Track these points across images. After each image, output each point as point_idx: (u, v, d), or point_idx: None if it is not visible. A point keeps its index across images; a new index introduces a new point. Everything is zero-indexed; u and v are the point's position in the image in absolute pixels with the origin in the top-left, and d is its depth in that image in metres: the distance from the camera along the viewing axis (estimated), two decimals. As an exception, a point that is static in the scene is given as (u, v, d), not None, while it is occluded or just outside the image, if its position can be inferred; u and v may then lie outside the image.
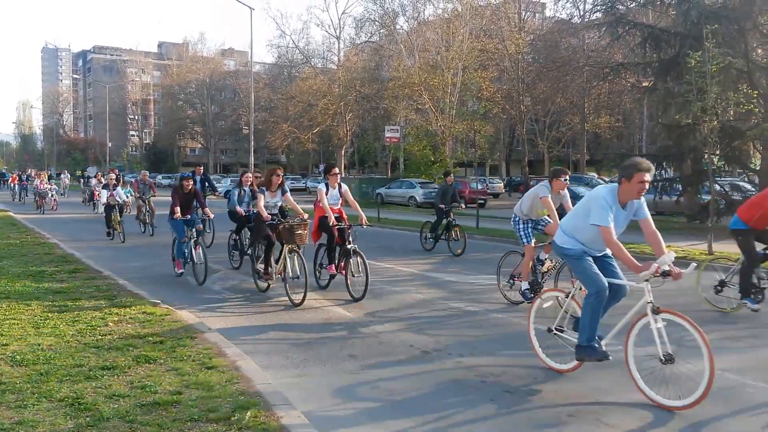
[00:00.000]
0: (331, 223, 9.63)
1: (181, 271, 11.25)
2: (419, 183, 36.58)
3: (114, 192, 17.93)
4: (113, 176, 19.12)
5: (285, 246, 9.34)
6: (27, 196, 36.41)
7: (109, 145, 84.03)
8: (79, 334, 6.87)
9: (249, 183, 13.09)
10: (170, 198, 11.53)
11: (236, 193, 12.92)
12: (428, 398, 5.35)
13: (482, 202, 31.96)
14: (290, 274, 9.14)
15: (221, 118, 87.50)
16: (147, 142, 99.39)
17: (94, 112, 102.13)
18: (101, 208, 20.00)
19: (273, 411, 4.70)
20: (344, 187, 10.32)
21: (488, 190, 41.40)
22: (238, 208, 12.59)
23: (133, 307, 8.18)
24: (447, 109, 40.90)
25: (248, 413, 4.60)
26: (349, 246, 9.45)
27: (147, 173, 22.69)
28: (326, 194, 10.01)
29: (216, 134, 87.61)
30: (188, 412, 4.64)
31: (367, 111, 53.92)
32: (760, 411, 5.10)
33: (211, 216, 12.60)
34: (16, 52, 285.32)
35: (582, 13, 44.80)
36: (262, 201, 9.91)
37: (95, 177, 31.48)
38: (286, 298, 9.24)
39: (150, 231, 18.91)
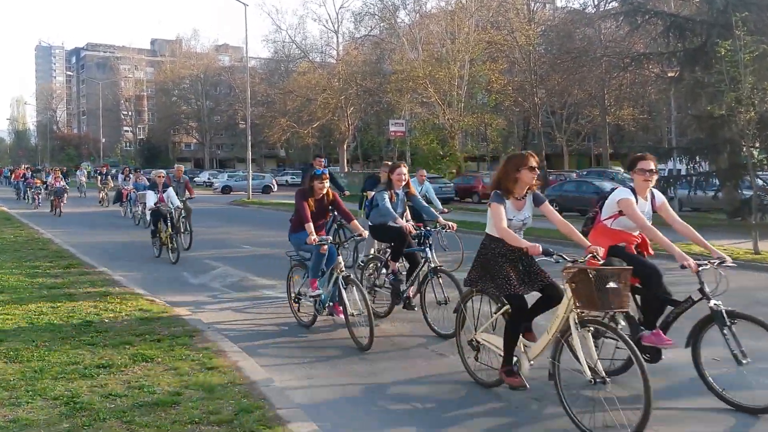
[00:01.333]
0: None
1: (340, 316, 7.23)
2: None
3: (164, 194, 13.65)
4: (162, 173, 14.53)
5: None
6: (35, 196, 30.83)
7: (103, 140, 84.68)
8: (75, 330, 6.78)
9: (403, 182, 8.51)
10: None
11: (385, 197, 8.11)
12: (444, 404, 5.18)
13: (496, 197, 31.63)
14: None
15: (216, 113, 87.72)
16: (141, 137, 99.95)
17: (88, 109, 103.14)
18: (146, 215, 16.23)
19: (279, 415, 4.54)
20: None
21: (501, 186, 41.11)
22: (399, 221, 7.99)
23: (130, 304, 8.07)
24: (455, 102, 40.76)
25: (252, 416, 4.47)
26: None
27: (182, 168, 18.44)
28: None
29: (211, 129, 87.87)
30: (189, 414, 4.51)
31: (369, 105, 54.00)
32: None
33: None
34: (10, 50, 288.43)
35: (597, 2, 44.47)
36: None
37: (122, 173, 26.79)
38: (285, 295, 9.11)
39: (185, 243, 14.42)
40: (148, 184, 16.20)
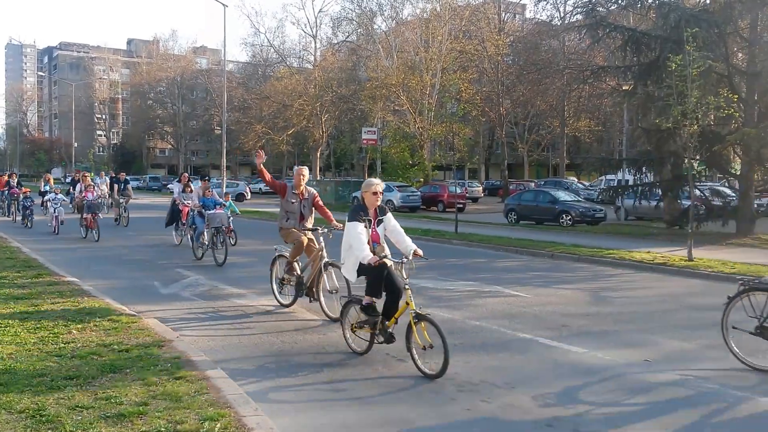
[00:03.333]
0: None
1: None
2: (397, 186, 36.64)
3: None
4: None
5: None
6: (27, 213, 22.59)
7: (75, 145, 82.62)
8: (41, 341, 6.75)
9: None
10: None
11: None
12: (404, 408, 5.35)
13: (461, 206, 32.07)
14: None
15: (192, 118, 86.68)
16: (114, 142, 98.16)
17: (60, 111, 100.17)
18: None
19: (244, 423, 4.65)
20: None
21: (467, 194, 41.59)
22: None
23: (98, 314, 8.06)
24: (425, 110, 41.06)
25: (218, 425, 4.55)
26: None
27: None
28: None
29: (187, 134, 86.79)
30: (155, 424, 4.57)
31: (343, 112, 53.90)
32: (739, 420, 5.16)
33: None
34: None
35: (562, 15, 45.37)
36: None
37: (179, 180, 18.32)
38: (256, 305, 9.24)
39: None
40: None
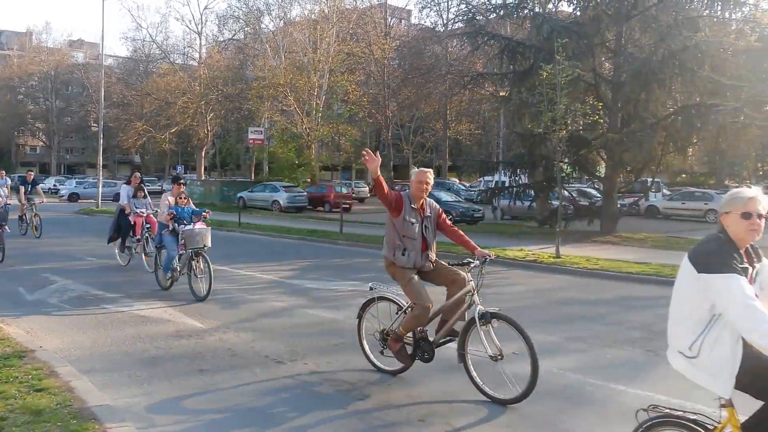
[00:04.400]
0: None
1: None
2: (283, 187, 36.29)
3: None
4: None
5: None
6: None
7: (-65, 142, 75.83)
8: None
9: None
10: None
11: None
12: (281, 411, 5.30)
13: (347, 206, 32.23)
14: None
15: (67, 114, 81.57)
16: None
17: None
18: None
19: (108, 434, 4.44)
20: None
21: (353, 195, 41.83)
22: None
23: (-49, 325, 7.43)
24: (313, 111, 40.97)
25: (80, 438, 4.32)
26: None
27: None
28: None
29: (61, 131, 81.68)
30: (11, 440, 4.28)
31: (229, 111, 52.77)
32: (597, 407, 5.50)
33: None
34: None
35: (445, 22, 46.62)
36: None
37: (129, 182, 13.54)
38: (130, 311, 8.87)
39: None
40: None
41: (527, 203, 23.56)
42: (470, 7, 24.63)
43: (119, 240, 13.22)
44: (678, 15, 20.31)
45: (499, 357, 5.43)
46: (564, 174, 19.16)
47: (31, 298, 9.81)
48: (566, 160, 20.74)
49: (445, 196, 28.09)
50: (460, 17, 25.59)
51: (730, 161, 48.27)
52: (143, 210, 12.77)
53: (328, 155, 46.07)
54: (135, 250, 13.01)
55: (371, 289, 6.41)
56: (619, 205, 23.12)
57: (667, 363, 3.56)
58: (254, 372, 6.28)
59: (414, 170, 6.06)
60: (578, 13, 22.66)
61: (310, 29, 43.06)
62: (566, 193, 21.07)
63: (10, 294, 10.10)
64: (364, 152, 5.46)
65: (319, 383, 5.96)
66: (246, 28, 51.35)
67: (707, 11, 20.88)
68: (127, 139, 54.64)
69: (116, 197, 26.72)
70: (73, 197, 44.96)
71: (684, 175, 54.51)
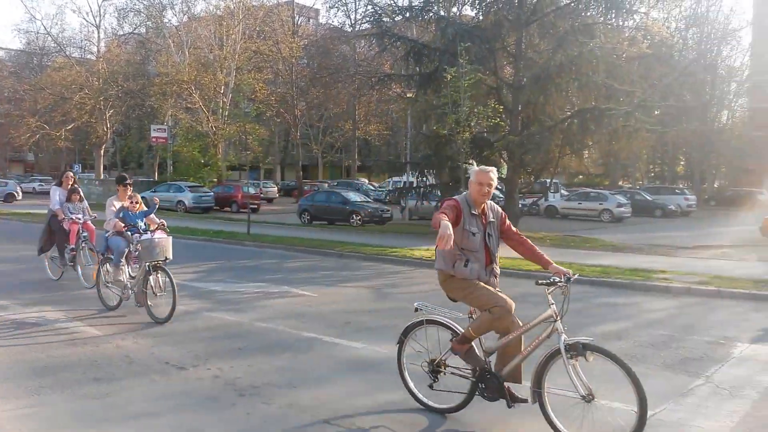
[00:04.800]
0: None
1: None
2: (188, 186, 35.28)
3: None
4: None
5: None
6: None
7: None
8: None
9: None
10: None
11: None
12: (182, 418, 5.13)
13: (255, 207, 31.73)
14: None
15: (-49, 110, 76.08)
16: None
17: None
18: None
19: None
20: None
21: (262, 195, 41.25)
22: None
23: None
24: (219, 109, 40.10)
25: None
26: None
27: None
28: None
29: (-57, 128, 75.96)
30: None
31: (131, 108, 50.72)
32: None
33: None
34: None
35: (353, 22, 46.75)
36: None
37: (61, 183, 11.59)
38: (21, 318, 8.35)
39: None
40: None
41: (434, 203, 23.95)
42: (377, 8, 24.76)
43: (52, 249, 11.44)
44: (575, 22, 21.02)
45: (591, 397, 4.55)
46: (468, 175, 19.59)
47: None
48: (470, 161, 21.18)
49: (354, 197, 28.15)
50: (367, 18, 25.69)
51: (623, 163, 51.31)
52: (79, 216, 11.04)
53: (235, 155, 45.15)
54: (69, 262, 11.06)
55: (417, 309, 5.36)
56: (520, 205, 23.76)
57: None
58: (153, 379, 6.05)
59: (473, 168, 5.15)
60: (480, 18, 23.04)
61: (216, 25, 42.15)
62: (471, 193, 21.49)
63: None
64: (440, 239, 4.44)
65: (222, 388, 5.81)
66: (148, 22, 49.59)
67: (602, 18, 21.71)
68: (19, 136, 51.45)
69: (8, 197, 25.05)
70: None
71: (581, 177, 57.17)
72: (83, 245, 10.99)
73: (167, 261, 8.46)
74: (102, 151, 51.61)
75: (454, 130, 15.60)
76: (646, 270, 13.09)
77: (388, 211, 26.67)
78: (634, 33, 23.36)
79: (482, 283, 5.01)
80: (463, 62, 15.53)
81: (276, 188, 50.99)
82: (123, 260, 8.79)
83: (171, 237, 8.72)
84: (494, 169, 5.17)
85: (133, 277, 8.76)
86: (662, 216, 35.34)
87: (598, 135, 21.13)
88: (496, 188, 22.74)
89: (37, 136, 51.63)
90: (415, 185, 23.78)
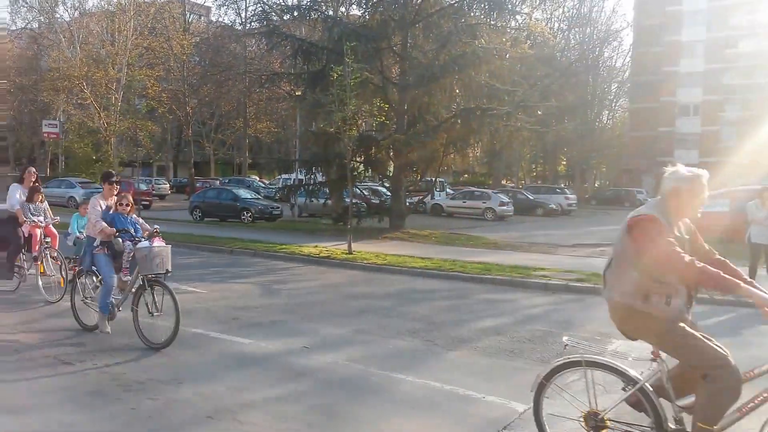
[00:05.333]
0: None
1: None
2: (80, 183, 33.47)
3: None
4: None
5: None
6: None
7: None
8: None
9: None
10: None
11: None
12: (65, 410, 4.90)
13: (146, 204, 30.41)
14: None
15: None
16: None
17: None
18: None
19: None
20: None
21: (154, 192, 39.65)
22: None
23: None
24: (111, 105, 38.51)
25: None
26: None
27: None
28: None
29: None
30: None
31: (23, 103, 48.39)
32: (379, 396, 5.68)
33: None
34: None
35: (243, 20, 45.76)
36: None
37: (21, 181, 10.03)
38: None
39: None
40: None
41: (322, 201, 23.70)
42: (266, 6, 24.24)
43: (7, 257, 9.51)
44: (458, 22, 20.80)
45: None
46: (356, 173, 19.44)
47: None
48: (358, 159, 21.05)
49: (245, 194, 27.54)
50: (257, 16, 25.09)
51: (506, 162, 52.36)
52: (41, 218, 9.48)
53: (126, 151, 43.31)
54: (28, 271, 9.60)
55: (567, 346, 4.04)
56: (407, 203, 23.61)
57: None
58: (39, 372, 5.78)
59: (682, 174, 3.69)
60: (367, 17, 22.76)
61: (108, 21, 40.41)
62: (358, 191, 21.39)
63: None
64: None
65: (108, 383, 5.58)
66: (40, 18, 46.92)
67: (486, 19, 21.52)
68: None
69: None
70: None
71: (466, 175, 58.51)
72: (45, 252, 9.40)
73: (168, 274, 7.05)
74: (-9, 147, 47.96)
75: (341, 128, 15.49)
76: (526, 267, 13.14)
77: (279, 208, 26.29)
78: (517, 33, 23.31)
79: (688, 327, 3.65)
80: (349, 61, 15.44)
81: (168, 185, 49.25)
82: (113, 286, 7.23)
83: (170, 246, 7.20)
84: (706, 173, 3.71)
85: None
86: (543, 215, 35.02)
87: (481, 134, 21.23)
88: (384, 186, 22.85)
89: None
90: (304, 182, 23.45)
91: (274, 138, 53.80)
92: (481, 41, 20.37)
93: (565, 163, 63.25)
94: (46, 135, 39.24)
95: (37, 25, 48.45)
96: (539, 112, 28.84)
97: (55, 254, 9.42)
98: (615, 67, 60.86)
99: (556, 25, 52.95)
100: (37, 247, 9.36)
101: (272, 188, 38.32)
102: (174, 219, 25.31)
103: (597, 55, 55.95)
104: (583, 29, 55.46)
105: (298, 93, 23.70)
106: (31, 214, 9.36)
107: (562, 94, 42.51)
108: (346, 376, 6.05)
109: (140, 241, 7.10)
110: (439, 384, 5.72)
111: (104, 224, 7.17)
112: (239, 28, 45.72)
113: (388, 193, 23.23)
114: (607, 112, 61.82)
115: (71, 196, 32.20)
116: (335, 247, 16.13)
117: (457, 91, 22.29)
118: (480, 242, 19.07)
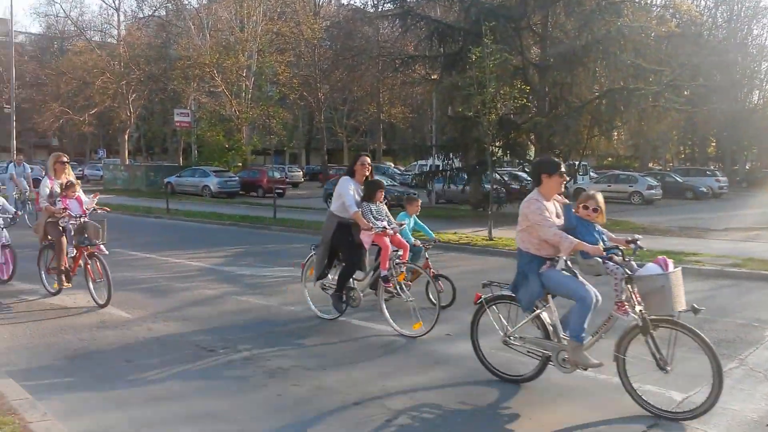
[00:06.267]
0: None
1: None
2: (213, 171, 35.64)
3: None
4: None
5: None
6: None
7: None
8: None
9: None
10: None
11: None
12: (212, 400, 5.26)
13: (281, 191, 31.92)
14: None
15: (-26, 95, 77.17)
16: None
17: None
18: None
19: (30, 429, 4.33)
20: None
21: (287, 179, 41.40)
22: None
23: None
24: (242, 93, 40.22)
25: (0, 433, 4.20)
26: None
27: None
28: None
29: (-32, 114, 77.17)
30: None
31: (153, 92, 51.10)
32: (529, 384, 5.72)
33: None
34: None
35: (375, 2, 46.38)
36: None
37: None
38: (51, 301, 8.60)
39: None
40: None
41: (461, 187, 23.90)
42: (399, -13, 24.58)
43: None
44: (601, 0, 20.67)
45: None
46: (495, 158, 19.46)
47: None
48: (497, 144, 21.08)
49: (379, 179, 28.15)
50: (389, -2, 25.48)
51: (653, 144, 50.55)
52: (384, 223, 8.84)
53: (259, 139, 45.28)
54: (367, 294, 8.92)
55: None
56: (548, 188, 23.56)
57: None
58: (184, 362, 6.21)
59: None
60: None
61: (236, 7, 42.12)
62: (498, 176, 21.45)
63: None
64: None
65: (252, 371, 5.95)
66: (168, 4, 49.85)
67: None
68: (43, 122, 52.19)
69: (34, 183, 25.33)
70: None
71: (610, 159, 56.43)
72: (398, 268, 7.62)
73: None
74: (126, 136, 52.19)
75: (480, 112, 15.49)
76: (678, 252, 12.93)
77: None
78: (662, 11, 22.95)
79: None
80: (488, 42, 15.37)
81: (301, 173, 51.17)
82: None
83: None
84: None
85: None
86: (693, 198, 35.10)
87: (627, 115, 20.91)
88: (524, 171, 22.49)
89: (61, 121, 52.36)
90: (441, 168, 23.73)
91: (409, 123, 54.39)
92: (625, 19, 20.13)
93: (714, 144, 60.56)
94: (177, 124, 41.57)
95: (164, 13, 51.27)
96: (686, 92, 27.58)
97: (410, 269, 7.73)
98: (765, 45, 57.26)
99: (702, 2, 50.90)
100: (386, 264, 7.28)
101: (408, 175, 38.91)
102: (309, 207, 26.41)
103: (745, 33, 53.94)
104: (730, 6, 53.27)
105: (434, 76, 23.94)
106: (374, 217, 7.48)
107: (710, 73, 40.75)
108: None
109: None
110: (592, 373, 5.59)
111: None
112: (371, 10, 46.43)
113: (528, 179, 22.94)
114: (758, 92, 57.96)
115: (205, 185, 34.35)
116: (475, 234, 16.28)
117: (601, 71, 21.73)
118: (627, 227, 18.58)
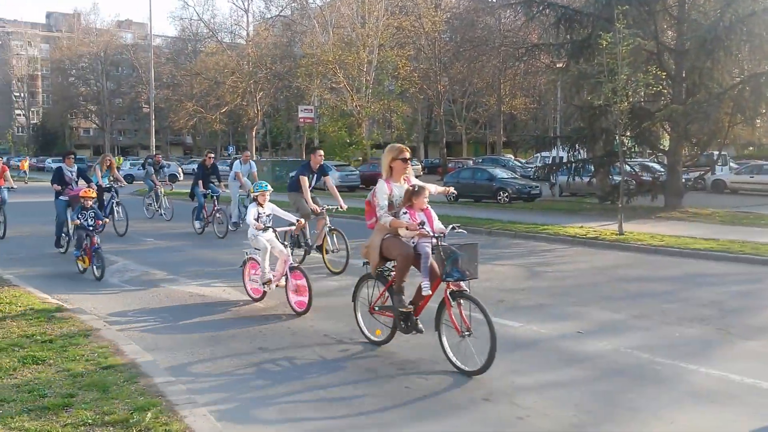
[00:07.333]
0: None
1: None
2: (335, 165, 36.46)
3: None
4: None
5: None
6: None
7: (-7, 125, 78.74)
8: (-43, 335, 6.44)
9: None
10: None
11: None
12: (342, 391, 5.36)
13: (399, 185, 32.02)
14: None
15: (118, 96, 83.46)
16: (34, 122, 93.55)
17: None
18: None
19: (176, 411, 4.57)
20: None
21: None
22: None
23: (20, 303, 7.75)
24: (363, 88, 40.92)
25: (148, 414, 4.46)
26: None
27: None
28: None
29: (113, 113, 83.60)
30: (81, 416, 4.45)
31: (279, 90, 53.17)
32: (666, 387, 5.39)
33: None
34: None
35: (498, -9, 45.66)
36: None
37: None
38: (190, 290, 9.11)
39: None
40: None
41: (586, 179, 23.08)
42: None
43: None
44: None
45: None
46: (625, 148, 18.60)
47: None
48: (628, 134, 20.21)
49: (501, 173, 27.73)
50: (514, -14, 24.88)
51: (802, 133, 46.58)
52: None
53: (379, 133, 45.91)
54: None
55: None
56: (683, 180, 22.46)
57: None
58: (314, 350, 6.39)
59: None
60: None
61: (358, 3, 42.84)
62: (628, 167, 20.55)
63: (72, 275, 10.43)
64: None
65: (380, 363, 6.02)
66: (293, 4, 51.49)
67: None
68: (179, 120, 55.73)
69: (171, 178, 27.31)
70: (128, 178, 45.93)
71: (751, 148, 52.49)
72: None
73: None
74: (254, 133, 54.60)
75: (611, 101, 14.82)
76: None
77: (537, 187, 26.07)
78: None
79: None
80: (620, 27, 14.70)
81: (420, 166, 51.37)
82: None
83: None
84: None
85: None
86: None
87: None
88: (657, 162, 21.45)
89: (194, 119, 55.65)
90: (565, 160, 23.04)
91: (530, 114, 53.31)
92: (773, -2, 18.47)
93: None
94: (301, 120, 42.88)
95: (290, 12, 52.99)
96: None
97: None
98: None
99: None
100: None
101: (530, 167, 38.10)
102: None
103: None
104: None
105: (560, 65, 23.20)
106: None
107: None
108: (625, 363, 5.92)
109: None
110: (738, 376, 5.42)
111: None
112: (493, 0, 45.82)
113: (661, 170, 21.85)
114: None
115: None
116: (603, 228, 15.67)
117: (744, 54, 20.24)
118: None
